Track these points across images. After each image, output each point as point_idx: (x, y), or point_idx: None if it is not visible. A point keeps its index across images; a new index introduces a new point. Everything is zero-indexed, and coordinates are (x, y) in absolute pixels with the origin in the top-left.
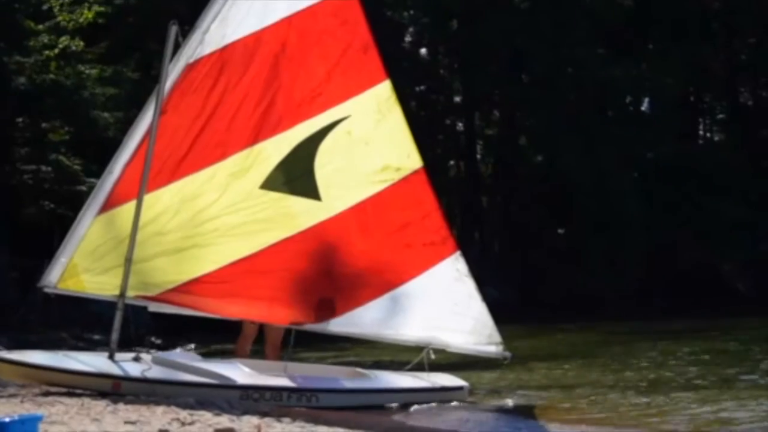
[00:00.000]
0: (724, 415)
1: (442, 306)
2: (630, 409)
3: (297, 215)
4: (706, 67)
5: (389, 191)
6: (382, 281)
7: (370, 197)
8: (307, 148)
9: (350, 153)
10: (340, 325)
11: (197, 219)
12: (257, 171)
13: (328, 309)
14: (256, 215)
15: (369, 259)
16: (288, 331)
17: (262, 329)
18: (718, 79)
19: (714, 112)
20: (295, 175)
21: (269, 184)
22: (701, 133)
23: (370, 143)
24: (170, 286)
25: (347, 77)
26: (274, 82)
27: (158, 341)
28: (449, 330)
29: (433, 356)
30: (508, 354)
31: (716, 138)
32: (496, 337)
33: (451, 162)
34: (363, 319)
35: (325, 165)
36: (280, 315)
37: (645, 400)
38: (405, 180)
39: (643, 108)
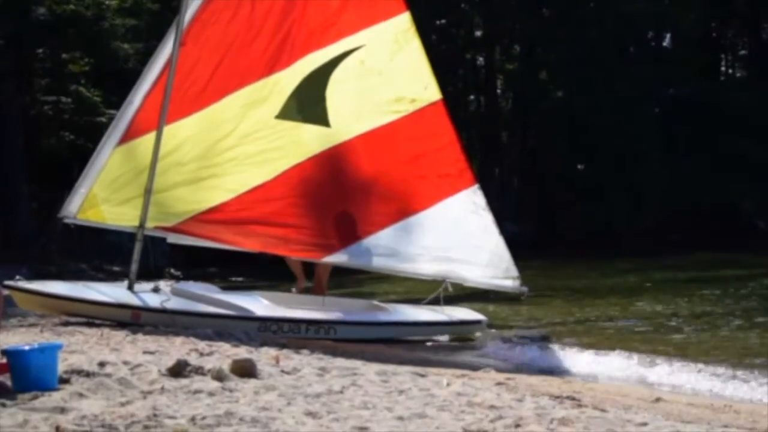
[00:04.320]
0: (750, 346)
1: (458, 238)
2: (651, 341)
3: (307, 142)
4: (728, 2)
5: (402, 122)
6: (393, 210)
7: (380, 127)
8: (320, 77)
9: (362, 82)
10: (354, 255)
11: (215, 149)
12: (274, 101)
13: (341, 238)
14: (271, 144)
15: (379, 188)
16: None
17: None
18: (740, 15)
19: (736, 49)
20: (308, 104)
21: (284, 114)
22: (723, 69)
23: (384, 73)
24: (189, 215)
25: (362, 8)
26: (291, 12)
27: (177, 273)
28: (465, 263)
29: (450, 289)
30: (524, 288)
31: (738, 74)
32: (513, 271)
33: (471, 97)
34: (377, 249)
35: (336, 93)
36: (295, 247)
37: (668, 333)
38: (420, 111)
39: (664, 44)
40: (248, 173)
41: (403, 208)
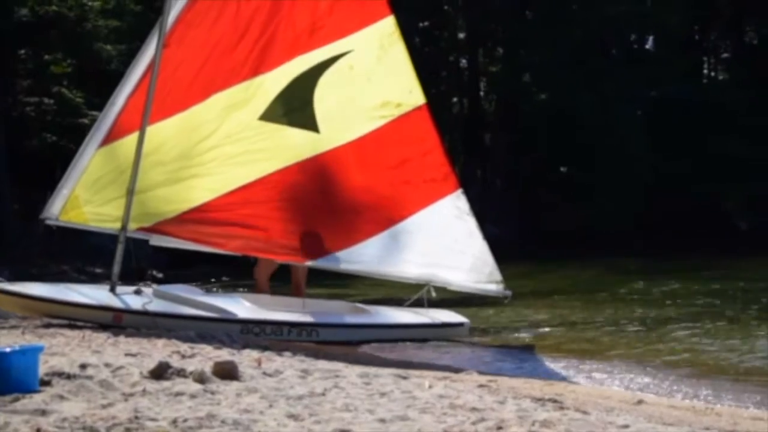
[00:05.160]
0: (730, 349)
1: (442, 243)
2: (633, 343)
3: (295, 146)
4: (711, 4)
5: (389, 127)
6: (381, 217)
7: (369, 133)
8: (307, 81)
9: (352, 87)
10: (341, 261)
11: (197, 149)
12: (257, 103)
13: (327, 244)
14: (254, 145)
15: (368, 195)
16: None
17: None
18: (723, 18)
19: (718, 51)
20: (294, 107)
21: (268, 116)
22: (705, 71)
23: (372, 78)
24: (171, 215)
25: (350, 12)
26: (277, 15)
27: (159, 275)
28: (449, 267)
29: (434, 294)
30: (508, 292)
31: (720, 77)
32: (497, 275)
33: (455, 99)
34: (363, 256)
35: (324, 98)
36: (279, 250)
37: (650, 335)
38: (406, 116)
39: (647, 46)
40: (230, 173)
41: (390, 216)
